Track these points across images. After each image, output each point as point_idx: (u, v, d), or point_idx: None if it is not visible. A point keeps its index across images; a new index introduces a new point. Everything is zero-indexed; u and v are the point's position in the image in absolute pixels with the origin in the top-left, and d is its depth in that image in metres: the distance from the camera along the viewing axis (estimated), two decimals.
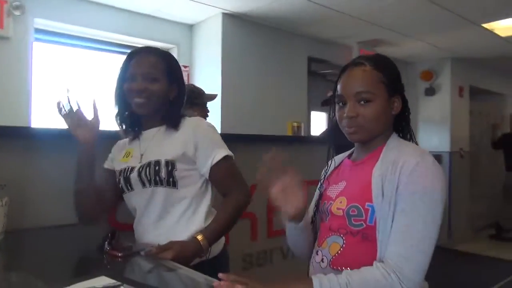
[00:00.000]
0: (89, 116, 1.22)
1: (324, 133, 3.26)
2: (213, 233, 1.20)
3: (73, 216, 1.47)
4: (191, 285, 0.97)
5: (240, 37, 3.43)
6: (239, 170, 1.30)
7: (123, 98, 1.28)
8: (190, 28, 3.58)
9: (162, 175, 1.20)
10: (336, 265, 0.95)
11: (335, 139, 1.15)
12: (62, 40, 3.01)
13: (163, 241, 1.16)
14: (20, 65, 2.64)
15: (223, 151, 1.25)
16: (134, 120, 1.32)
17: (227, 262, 1.34)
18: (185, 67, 3.47)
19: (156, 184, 1.21)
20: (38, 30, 2.79)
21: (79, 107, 1.21)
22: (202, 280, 0.94)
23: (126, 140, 1.36)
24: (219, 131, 1.37)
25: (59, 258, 1.18)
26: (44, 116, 2.79)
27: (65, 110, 1.20)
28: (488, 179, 5.90)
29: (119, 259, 1.10)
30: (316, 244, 1.04)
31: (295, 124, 3.72)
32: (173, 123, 1.27)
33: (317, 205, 1.08)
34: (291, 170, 0.99)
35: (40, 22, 2.78)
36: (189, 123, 1.29)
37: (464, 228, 5.12)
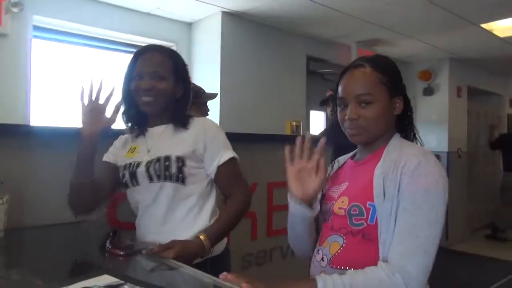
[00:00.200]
0: (108, 113, 1.21)
1: (323, 132, 3.26)
2: (215, 233, 1.20)
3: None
4: (194, 283, 0.97)
5: (239, 36, 3.42)
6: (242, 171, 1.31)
7: (130, 96, 1.28)
8: (189, 26, 3.57)
9: (172, 170, 1.20)
10: (336, 264, 0.95)
11: (334, 138, 1.15)
12: (61, 37, 2.99)
13: (169, 237, 1.17)
14: (18, 63, 2.62)
15: (229, 152, 1.27)
16: (140, 118, 1.32)
17: (229, 261, 1.35)
18: None
19: (165, 179, 1.21)
20: (36, 27, 2.78)
21: (106, 100, 1.20)
22: (204, 278, 0.94)
23: (129, 136, 1.36)
24: None
25: (60, 256, 1.18)
26: (43, 114, 2.78)
27: (89, 99, 1.18)
28: (485, 179, 5.93)
29: (121, 258, 1.10)
30: (318, 243, 1.05)
31: (294, 123, 3.73)
32: (182, 121, 1.28)
33: (319, 205, 1.08)
34: (317, 154, 0.98)
35: (39, 19, 2.77)
36: (199, 122, 1.30)
37: (461, 228, 5.13)
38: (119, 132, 1.39)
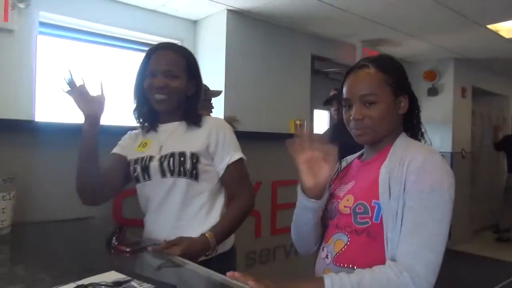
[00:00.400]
0: (94, 92, 1.22)
1: (327, 132, 3.25)
2: (221, 231, 1.21)
3: (80, 210, 1.47)
4: (201, 281, 0.98)
5: (244, 34, 3.42)
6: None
7: (142, 93, 1.29)
8: (194, 24, 3.57)
9: (187, 166, 1.22)
10: (339, 262, 0.96)
11: (339, 138, 1.15)
12: (67, 34, 3.00)
13: (183, 232, 1.18)
14: (24, 59, 2.63)
15: (239, 153, 1.29)
16: (152, 115, 1.33)
17: (234, 259, 1.36)
18: None
19: (179, 174, 1.22)
20: (42, 24, 2.78)
21: (82, 82, 1.21)
22: (211, 276, 0.94)
23: (139, 131, 1.37)
24: None
25: (66, 252, 1.18)
26: (48, 110, 2.79)
27: (68, 86, 1.20)
28: (489, 180, 5.91)
29: (127, 254, 1.10)
30: (324, 240, 1.05)
31: (298, 121, 3.72)
32: (194, 119, 1.30)
33: (326, 204, 1.08)
34: (326, 145, 0.97)
35: (45, 16, 2.77)
36: (213, 121, 1.32)
37: (464, 228, 5.12)
38: (129, 129, 1.39)
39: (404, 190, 0.89)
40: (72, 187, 1.25)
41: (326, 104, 3.33)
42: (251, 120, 3.33)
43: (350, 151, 1.15)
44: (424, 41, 4.19)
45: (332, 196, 1.06)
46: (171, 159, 1.23)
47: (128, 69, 3.13)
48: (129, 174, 1.30)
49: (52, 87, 2.85)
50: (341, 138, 1.08)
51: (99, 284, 0.79)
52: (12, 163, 1.37)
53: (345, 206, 0.99)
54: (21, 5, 2.55)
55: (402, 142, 0.99)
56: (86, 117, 1.20)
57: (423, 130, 1.07)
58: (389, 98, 0.98)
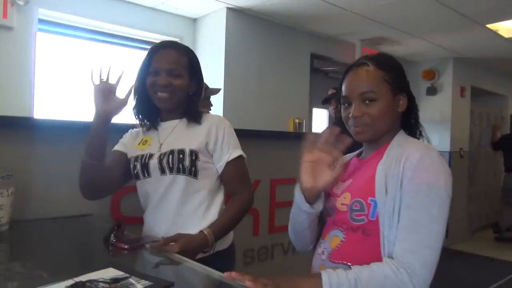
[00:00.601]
0: (120, 94, 1.22)
1: (326, 130, 3.25)
2: (220, 229, 1.22)
3: (78, 207, 1.48)
4: (199, 278, 0.98)
5: (243, 32, 3.42)
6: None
7: (143, 91, 1.29)
8: (193, 22, 3.56)
9: (186, 163, 1.22)
10: (335, 258, 0.96)
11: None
12: (66, 31, 3.00)
13: (181, 229, 1.19)
14: (23, 56, 2.63)
15: (239, 151, 1.30)
16: (152, 113, 1.34)
17: (232, 257, 1.36)
18: None
19: (178, 171, 1.23)
20: (41, 21, 2.78)
21: (116, 81, 1.21)
22: (208, 273, 0.94)
23: (140, 128, 1.38)
24: None
25: (64, 249, 1.18)
26: (46, 107, 2.79)
27: (99, 80, 1.20)
28: (486, 179, 5.93)
29: (125, 251, 1.10)
30: (321, 237, 1.06)
31: (297, 120, 3.72)
32: (195, 117, 1.30)
33: (324, 202, 1.09)
34: (335, 151, 0.96)
35: (44, 13, 2.77)
36: (212, 118, 1.32)
37: (462, 227, 5.14)
38: (130, 126, 1.40)
39: (400, 187, 0.89)
40: (71, 184, 1.26)
41: (324, 103, 3.33)
42: (250, 117, 3.33)
43: (350, 150, 1.15)
44: (423, 40, 4.19)
45: (330, 193, 1.07)
46: (170, 156, 1.23)
47: (127, 67, 3.13)
48: (130, 171, 1.31)
49: (52, 83, 2.85)
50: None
51: (96, 281, 0.79)
52: (10, 160, 1.37)
53: (342, 204, 0.99)
54: (20, 2, 2.55)
55: (400, 140, 0.99)
56: (99, 114, 1.19)
57: (421, 128, 1.07)
58: (388, 96, 0.98)
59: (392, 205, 0.89)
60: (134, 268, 0.98)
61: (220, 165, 1.27)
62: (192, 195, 1.25)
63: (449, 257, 4.59)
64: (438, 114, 4.97)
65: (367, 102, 0.98)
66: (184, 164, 1.22)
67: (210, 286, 0.96)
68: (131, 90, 1.25)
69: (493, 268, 4.16)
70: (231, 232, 1.32)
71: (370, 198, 0.93)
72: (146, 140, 1.33)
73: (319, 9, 3.25)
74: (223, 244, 1.27)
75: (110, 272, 0.85)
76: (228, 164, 1.27)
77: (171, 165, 1.23)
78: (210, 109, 2.49)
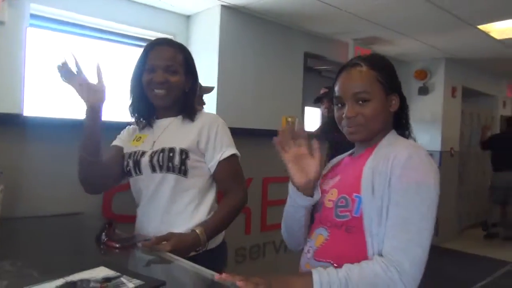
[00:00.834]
0: (93, 80, 1.21)
1: (318, 129, 3.27)
2: (212, 227, 1.22)
3: (69, 205, 1.47)
4: (190, 276, 0.98)
5: (237, 30, 3.41)
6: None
7: (139, 88, 1.29)
8: (187, 19, 3.54)
9: (175, 162, 1.22)
10: (319, 256, 0.97)
11: (329, 135, 1.16)
12: (58, 26, 2.95)
13: (170, 227, 1.19)
14: (14, 51, 2.59)
15: (232, 149, 1.29)
16: (147, 110, 1.34)
17: (224, 255, 1.36)
18: None
19: (168, 170, 1.23)
20: (33, 16, 2.74)
21: (80, 71, 1.20)
22: (200, 272, 0.95)
23: (136, 126, 1.38)
24: None
25: (55, 247, 1.17)
26: (37, 104, 2.75)
27: (65, 75, 1.19)
28: (476, 178, 6.00)
29: (117, 250, 1.10)
30: (308, 235, 1.06)
31: (290, 118, 3.72)
32: (190, 114, 1.30)
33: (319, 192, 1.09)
34: (302, 137, 0.97)
35: (36, 8, 2.73)
36: (206, 116, 1.32)
37: (452, 226, 5.20)
38: (126, 124, 1.40)
39: (389, 185, 0.89)
40: (61, 182, 1.25)
41: (316, 102, 3.35)
42: (243, 116, 3.33)
43: (339, 148, 1.16)
44: (416, 40, 4.22)
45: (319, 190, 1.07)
46: (161, 154, 1.23)
47: (120, 63, 3.11)
48: None
49: (42, 80, 2.81)
50: (334, 136, 1.09)
51: (88, 280, 0.79)
52: (0, 158, 1.35)
53: (329, 200, 1.00)
54: None
55: (390, 139, 1.00)
56: (88, 107, 1.19)
57: (410, 129, 1.08)
58: (381, 96, 0.99)
59: (379, 203, 0.89)
60: (125, 267, 0.98)
61: (212, 164, 1.27)
62: (182, 194, 1.25)
63: (438, 255, 4.65)
64: (430, 113, 5.01)
65: (361, 102, 0.98)
66: (173, 162, 1.22)
67: (202, 285, 0.96)
68: (99, 69, 1.21)
69: (481, 266, 4.21)
70: None
71: (355, 194, 0.94)
72: (140, 137, 1.33)
73: (313, 8, 3.25)
74: (214, 242, 1.27)
75: (102, 271, 0.85)
76: (220, 163, 1.27)
77: (161, 163, 1.23)
78: (203, 108, 2.49)
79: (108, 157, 1.29)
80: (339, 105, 1.03)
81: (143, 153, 1.27)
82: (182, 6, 3.34)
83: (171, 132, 1.29)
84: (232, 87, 3.34)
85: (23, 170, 1.48)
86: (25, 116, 2.18)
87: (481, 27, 3.70)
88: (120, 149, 1.35)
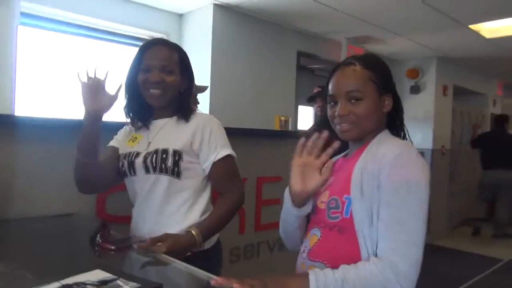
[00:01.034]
0: (109, 90, 1.20)
1: (312, 128, 3.28)
2: (208, 228, 1.21)
3: (63, 206, 1.46)
4: (186, 278, 0.98)
5: (230, 29, 3.40)
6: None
7: (134, 89, 1.28)
8: (179, 17, 3.53)
9: (169, 163, 1.22)
10: (313, 256, 0.98)
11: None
12: (48, 25, 2.92)
13: (163, 228, 1.18)
14: (4, 50, 2.55)
15: (226, 150, 1.28)
16: (143, 111, 1.33)
17: (219, 255, 1.36)
18: None
19: (161, 171, 1.22)
20: (24, 14, 2.71)
21: (104, 78, 1.19)
22: (195, 273, 0.95)
23: (133, 127, 1.37)
24: None
25: (49, 249, 1.16)
26: (28, 104, 2.72)
27: (87, 78, 1.17)
28: (466, 176, 6.06)
29: (112, 252, 1.09)
30: (304, 235, 1.07)
31: (283, 118, 3.73)
32: (185, 114, 1.30)
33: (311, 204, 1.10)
34: (326, 155, 0.97)
35: (26, 6, 2.70)
36: (201, 117, 1.31)
37: (443, 223, 5.25)
38: (122, 125, 1.39)
39: (377, 185, 0.89)
40: (54, 182, 1.24)
41: (309, 101, 3.35)
42: (236, 115, 3.32)
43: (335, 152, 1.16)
44: (408, 39, 4.25)
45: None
46: (155, 156, 1.23)
47: (112, 62, 3.08)
48: None
49: (34, 80, 2.78)
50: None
51: (84, 283, 0.79)
52: None
53: (321, 202, 1.01)
54: None
55: (382, 138, 1.00)
56: (89, 113, 1.17)
57: (405, 131, 1.09)
58: (374, 96, 0.99)
59: (369, 203, 0.89)
60: (121, 269, 0.97)
61: (206, 166, 1.27)
62: (175, 195, 1.25)
63: (430, 252, 4.65)
64: (421, 112, 5.05)
65: (353, 101, 0.99)
66: (166, 164, 1.22)
67: (198, 287, 0.96)
68: (121, 85, 1.23)
69: (473, 263, 4.27)
70: None
71: (345, 195, 0.94)
72: (136, 137, 1.32)
73: (306, 7, 3.26)
74: (209, 242, 1.27)
75: (98, 274, 0.84)
76: (215, 164, 1.26)
77: (154, 165, 1.23)
78: (197, 107, 2.48)
79: (104, 157, 1.28)
80: (332, 103, 1.03)
81: (138, 154, 1.26)
82: (174, 5, 3.32)
83: (166, 133, 1.29)
84: (225, 86, 3.33)
85: (15, 171, 1.46)
86: (16, 116, 2.16)
87: (472, 26, 3.75)
88: (116, 150, 1.34)
